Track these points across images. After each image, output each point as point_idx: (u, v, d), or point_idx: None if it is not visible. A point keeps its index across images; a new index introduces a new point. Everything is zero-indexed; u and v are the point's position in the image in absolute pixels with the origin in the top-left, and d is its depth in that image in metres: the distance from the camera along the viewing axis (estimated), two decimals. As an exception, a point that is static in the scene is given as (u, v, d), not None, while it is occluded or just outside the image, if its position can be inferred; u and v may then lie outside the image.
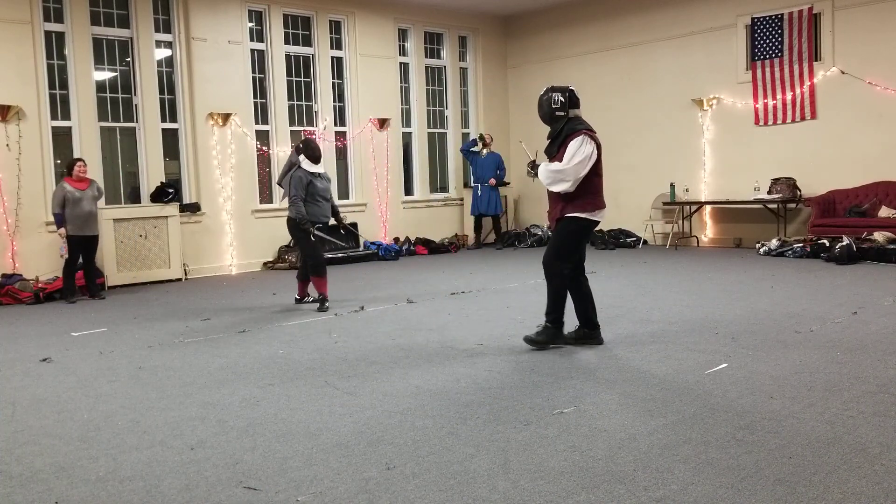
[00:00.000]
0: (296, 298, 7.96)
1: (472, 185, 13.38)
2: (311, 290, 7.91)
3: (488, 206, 13.11)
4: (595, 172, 5.32)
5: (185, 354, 5.76)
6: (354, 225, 12.34)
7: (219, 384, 4.84)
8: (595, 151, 5.28)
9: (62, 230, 8.51)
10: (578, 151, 5.18)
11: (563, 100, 5.32)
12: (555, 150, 5.40)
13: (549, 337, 5.39)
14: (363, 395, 4.47)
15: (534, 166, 5.52)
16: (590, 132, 5.31)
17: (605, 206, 5.44)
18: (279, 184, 7.83)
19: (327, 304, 7.48)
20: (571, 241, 5.35)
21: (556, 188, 5.27)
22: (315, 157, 7.44)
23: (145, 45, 10.46)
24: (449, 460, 3.37)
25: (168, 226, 10.20)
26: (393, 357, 5.39)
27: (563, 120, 5.35)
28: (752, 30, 11.43)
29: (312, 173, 7.41)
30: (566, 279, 5.34)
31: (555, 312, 5.38)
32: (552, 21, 13.94)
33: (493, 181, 13.01)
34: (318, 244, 7.61)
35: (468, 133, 14.44)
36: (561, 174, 5.20)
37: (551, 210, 5.45)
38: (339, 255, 11.83)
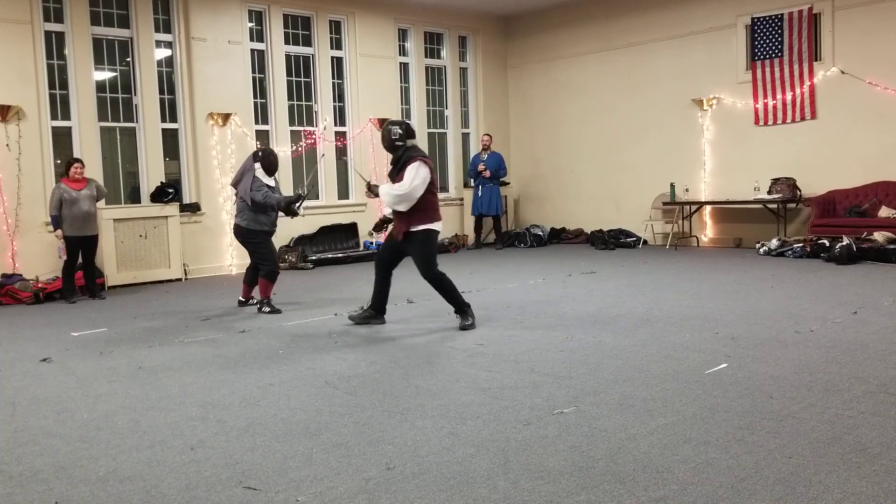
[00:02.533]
0: (240, 301, 7.92)
1: (473, 185, 13.38)
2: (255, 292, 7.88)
3: (489, 206, 13.11)
4: (430, 191, 6.16)
5: (185, 354, 5.76)
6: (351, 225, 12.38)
7: (219, 384, 4.84)
8: (429, 174, 6.10)
9: (58, 232, 8.50)
10: (416, 176, 6.02)
11: (400, 132, 6.20)
12: (395, 174, 6.25)
13: (472, 319, 6.26)
14: (363, 395, 4.47)
15: (370, 188, 6.54)
16: (423, 158, 6.15)
17: (441, 218, 6.36)
18: (233, 185, 7.76)
19: (275, 307, 7.46)
20: (430, 249, 6.23)
21: (398, 207, 6.15)
22: (270, 170, 7.50)
23: (145, 45, 10.46)
24: (449, 460, 3.37)
25: (168, 226, 10.20)
26: (393, 357, 5.39)
27: (401, 148, 6.21)
28: (752, 30, 11.43)
29: (266, 184, 7.41)
30: (444, 277, 6.24)
31: (457, 303, 6.30)
32: (552, 21, 13.94)
33: (487, 173, 12.98)
34: (273, 250, 7.63)
35: (468, 133, 14.47)
36: (402, 196, 6.07)
37: (397, 226, 6.28)
38: (339, 255, 11.84)
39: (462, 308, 6.30)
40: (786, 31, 11.10)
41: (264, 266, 7.52)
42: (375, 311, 6.58)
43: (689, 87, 12.19)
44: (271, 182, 7.51)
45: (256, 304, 7.64)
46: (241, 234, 7.57)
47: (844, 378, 4.44)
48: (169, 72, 10.81)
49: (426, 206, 6.15)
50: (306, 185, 7.87)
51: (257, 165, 7.43)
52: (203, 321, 7.19)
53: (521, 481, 3.11)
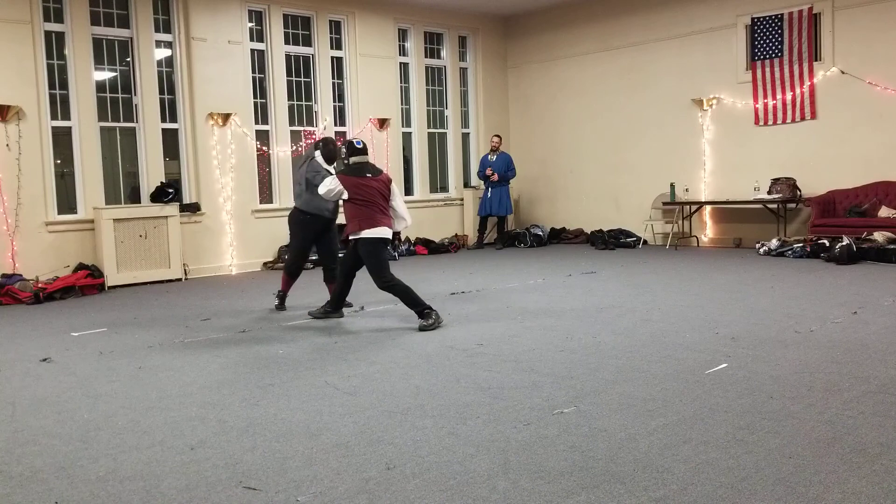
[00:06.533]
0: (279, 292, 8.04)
1: (484, 186, 13.34)
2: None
3: (500, 207, 13.11)
4: (355, 201, 6.45)
5: (185, 354, 5.76)
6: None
7: (219, 384, 4.84)
8: (341, 188, 6.47)
9: None
10: (327, 184, 6.58)
11: (345, 152, 6.80)
12: None
13: (436, 318, 6.36)
14: (363, 395, 4.47)
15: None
16: (344, 174, 6.53)
17: (383, 224, 6.48)
18: (300, 169, 7.80)
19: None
20: (376, 259, 6.46)
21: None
22: (329, 158, 7.66)
23: (145, 45, 10.45)
24: (449, 460, 3.37)
25: (168, 226, 10.19)
26: (393, 357, 5.39)
27: (341, 164, 6.88)
28: (752, 30, 11.43)
29: (326, 169, 7.56)
30: (398, 282, 6.43)
31: (419, 305, 6.38)
32: (552, 21, 13.93)
33: (495, 176, 13.01)
34: (307, 249, 7.75)
35: (468, 133, 14.47)
36: (322, 191, 6.65)
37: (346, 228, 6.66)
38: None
39: (421, 310, 6.38)
40: (786, 31, 11.10)
41: (289, 259, 7.76)
42: (334, 308, 7.05)
43: (689, 87, 12.19)
44: (331, 170, 7.60)
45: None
46: (291, 216, 7.67)
47: (844, 378, 4.44)
48: (169, 72, 10.81)
49: (357, 214, 6.47)
50: None
51: (317, 153, 7.58)
52: (203, 321, 7.19)
53: (521, 481, 3.11)
